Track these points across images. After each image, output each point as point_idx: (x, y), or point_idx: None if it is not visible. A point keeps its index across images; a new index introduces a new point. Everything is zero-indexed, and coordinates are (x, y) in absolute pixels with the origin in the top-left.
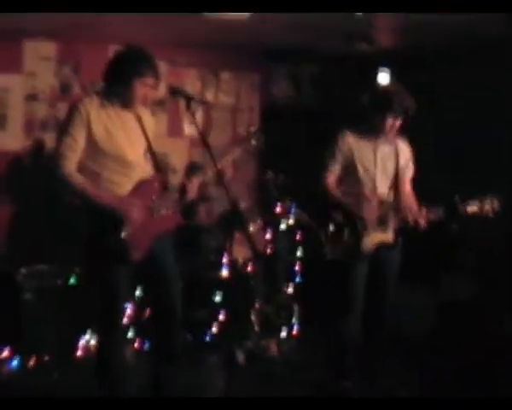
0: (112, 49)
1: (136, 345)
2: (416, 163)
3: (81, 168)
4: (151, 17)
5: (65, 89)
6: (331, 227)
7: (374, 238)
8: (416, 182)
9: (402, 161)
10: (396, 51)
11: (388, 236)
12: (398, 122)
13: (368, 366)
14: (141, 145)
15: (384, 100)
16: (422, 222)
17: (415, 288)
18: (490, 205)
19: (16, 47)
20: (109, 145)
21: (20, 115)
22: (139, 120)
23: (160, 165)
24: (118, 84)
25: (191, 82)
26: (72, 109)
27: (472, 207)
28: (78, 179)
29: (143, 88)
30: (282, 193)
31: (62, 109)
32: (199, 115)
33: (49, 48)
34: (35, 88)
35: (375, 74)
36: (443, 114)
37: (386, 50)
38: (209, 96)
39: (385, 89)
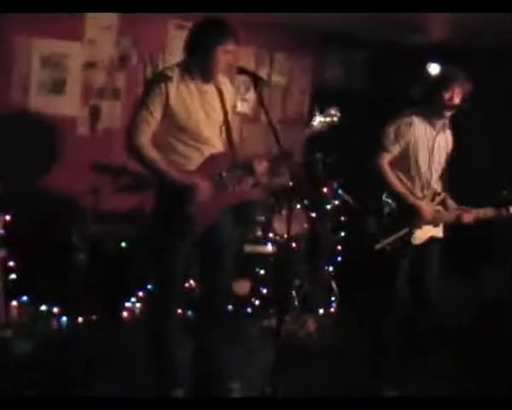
0: (171, 24)
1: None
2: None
3: (155, 140)
4: None
5: (123, 59)
6: (384, 215)
7: (425, 232)
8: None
9: (449, 154)
10: (448, 44)
11: (439, 230)
12: (457, 100)
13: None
14: (217, 119)
15: (445, 74)
16: (469, 219)
17: (456, 282)
18: None
19: (78, 16)
20: (186, 120)
21: (78, 82)
22: (219, 91)
23: (232, 139)
24: (199, 55)
25: (246, 60)
26: (152, 82)
27: None
28: (150, 152)
29: (225, 55)
30: (330, 174)
31: (119, 79)
32: (250, 93)
33: (110, 19)
34: (94, 56)
35: (426, 65)
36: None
37: (438, 43)
38: (262, 75)
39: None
